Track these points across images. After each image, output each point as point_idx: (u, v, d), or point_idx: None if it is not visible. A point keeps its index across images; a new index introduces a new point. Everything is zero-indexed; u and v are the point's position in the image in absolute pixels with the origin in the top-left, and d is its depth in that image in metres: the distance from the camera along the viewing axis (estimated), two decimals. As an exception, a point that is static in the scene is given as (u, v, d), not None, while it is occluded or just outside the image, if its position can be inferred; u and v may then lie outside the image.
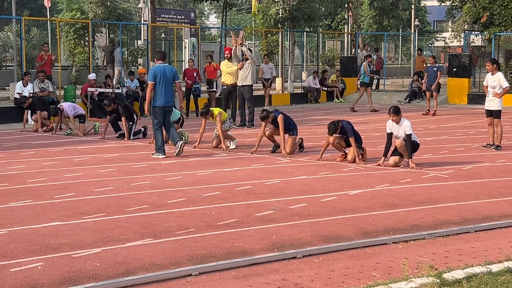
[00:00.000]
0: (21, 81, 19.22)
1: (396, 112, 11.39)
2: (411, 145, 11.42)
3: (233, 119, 17.62)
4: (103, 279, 5.74)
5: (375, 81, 30.42)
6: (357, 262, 6.28)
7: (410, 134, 11.32)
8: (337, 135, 12.02)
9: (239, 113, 18.24)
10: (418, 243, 6.98)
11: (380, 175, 10.82)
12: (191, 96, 21.66)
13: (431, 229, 7.49)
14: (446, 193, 9.50)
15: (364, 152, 12.31)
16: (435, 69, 21.93)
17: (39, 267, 6.03)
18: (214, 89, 21.94)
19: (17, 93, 19.01)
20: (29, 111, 17.45)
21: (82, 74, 29.08)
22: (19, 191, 9.46)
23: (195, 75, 21.63)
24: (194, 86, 21.36)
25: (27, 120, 17.40)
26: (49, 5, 36.63)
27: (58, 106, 16.78)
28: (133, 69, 28.31)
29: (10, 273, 5.88)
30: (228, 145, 13.92)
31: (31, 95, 18.36)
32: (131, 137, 15.14)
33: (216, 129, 13.92)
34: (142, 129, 15.65)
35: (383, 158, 11.67)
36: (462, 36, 36.22)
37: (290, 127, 13.07)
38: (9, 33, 30.41)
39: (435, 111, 21.54)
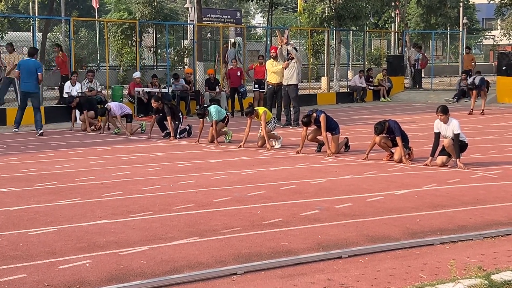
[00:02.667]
0: (69, 81, 19.55)
1: (444, 111, 11.25)
2: (459, 145, 11.27)
3: (278, 119, 17.65)
4: (150, 277, 5.80)
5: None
6: (403, 263, 6.22)
7: (458, 134, 11.17)
8: (384, 135, 11.93)
9: (284, 112, 18.23)
10: (466, 244, 6.89)
11: (427, 175, 10.70)
12: (236, 96, 21.72)
13: (479, 230, 7.37)
14: (495, 193, 9.34)
15: (411, 152, 12.19)
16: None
17: (87, 265, 6.12)
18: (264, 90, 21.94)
19: (65, 92, 19.34)
20: (77, 111, 17.70)
21: (129, 74, 29.41)
22: (68, 189, 9.62)
23: (238, 74, 21.64)
24: (240, 89, 21.46)
25: (75, 119, 17.66)
26: (97, 6, 37.20)
27: (106, 106, 16.99)
28: (179, 69, 28.54)
29: (58, 270, 5.98)
30: (273, 144, 13.93)
31: (79, 94, 18.67)
32: (177, 136, 15.27)
33: (260, 129, 13.93)
34: (187, 127, 15.77)
35: (430, 157, 11.54)
36: (512, 34, 35.56)
37: (332, 127, 13.01)
38: (58, 33, 30.96)
39: (483, 110, 21.22)
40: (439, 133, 11.40)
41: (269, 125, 13.94)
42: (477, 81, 21.17)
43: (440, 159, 11.48)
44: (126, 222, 7.67)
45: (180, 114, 15.67)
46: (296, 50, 18.76)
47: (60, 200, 8.86)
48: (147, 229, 7.34)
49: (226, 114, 15.16)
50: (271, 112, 14.81)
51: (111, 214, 8.07)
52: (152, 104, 15.61)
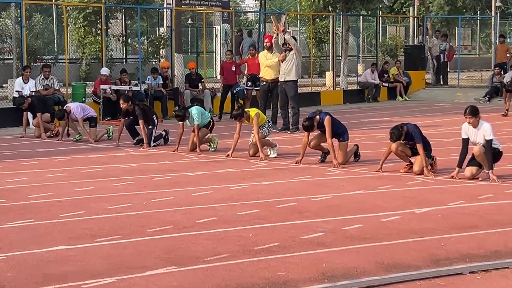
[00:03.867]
0: (21, 77, 19.49)
1: (473, 113, 11.28)
2: (492, 153, 11.29)
3: (274, 122, 17.66)
4: (118, 314, 5.79)
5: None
6: (425, 296, 6.23)
7: (491, 140, 11.20)
8: (401, 141, 11.94)
9: (281, 114, 18.25)
10: (500, 273, 6.91)
11: (453, 190, 10.73)
12: (229, 94, 21.61)
13: (517, 256, 7.40)
14: (535, 211, 9.38)
15: (434, 162, 12.22)
16: None
17: (42, 300, 6.11)
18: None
19: (16, 91, 19.28)
20: (30, 113, 17.65)
21: (93, 69, 29.36)
22: (19, 208, 9.59)
23: (233, 69, 21.59)
24: (236, 89, 21.43)
25: (28, 124, 17.61)
26: (55, -14, 37.13)
27: (65, 107, 16.95)
28: (154, 62, 28.53)
29: (7, 307, 5.97)
30: (268, 153, 13.94)
31: (32, 94, 18.61)
32: (151, 144, 15.26)
33: (252, 134, 13.94)
34: (163, 133, 15.77)
35: (457, 169, 11.56)
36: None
37: (340, 132, 13.01)
38: (7, 20, 30.87)
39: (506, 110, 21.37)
40: (468, 139, 11.43)
41: (262, 130, 13.95)
42: None
43: (469, 170, 11.51)
44: (89, 248, 7.65)
45: (154, 117, 15.67)
46: (295, 40, 18.80)
47: (9, 221, 8.83)
48: (115, 257, 7.33)
49: (211, 118, 15.15)
50: (265, 114, 14.83)
51: (71, 238, 8.05)
52: (121, 105, 15.60)
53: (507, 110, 21.51)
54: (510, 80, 21.44)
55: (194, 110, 14.60)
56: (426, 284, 6.58)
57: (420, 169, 11.88)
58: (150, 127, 15.41)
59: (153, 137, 15.42)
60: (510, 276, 6.82)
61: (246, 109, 14.30)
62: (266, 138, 14.10)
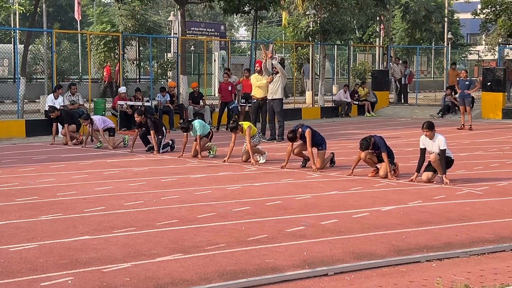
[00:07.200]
0: (53, 94, 19.45)
1: (430, 127, 11.30)
2: (445, 161, 11.32)
3: (263, 133, 17.64)
4: (133, 294, 5.76)
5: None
6: (390, 280, 6.23)
7: (445, 150, 11.22)
8: (369, 150, 11.95)
9: (269, 127, 18.23)
10: (452, 262, 6.91)
11: (413, 191, 10.74)
12: (225, 110, 21.59)
13: (465, 247, 7.41)
14: (480, 210, 9.39)
15: (396, 168, 12.23)
16: (467, 83, 21.81)
17: (69, 282, 6.08)
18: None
19: (48, 105, 19.23)
20: (59, 124, 17.59)
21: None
22: (49, 204, 9.55)
23: (229, 89, 21.61)
24: (232, 105, 21.38)
25: (57, 133, 17.55)
26: (80, 18, 37.10)
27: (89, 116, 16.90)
28: (162, 82, 28.50)
29: (40, 287, 5.93)
30: (258, 159, 13.92)
31: (61, 107, 18.57)
32: (160, 151, 15.22)
33: (245, 144, 13.93)
34: (170, 142, 15.73)
35: (416, 173, 11.58)
36: (496, 50, 35.91)
37: (319, 142, 13.02)
38: (39, 45, 30.85)
39: (470, 125, 21.29)
40: (425, 149, 11.45)
41: (253, 140, 13.95)
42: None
43: (426, 175, 11.53)
44: (109, 238, 7.63)
45: (163, 128, 15.65)
46: (282, 65, 18.74)
47: (41, 215, 8.80)
48: (130, 246, 7.31)
49: (210, 129, 15.14)
50: (255, 126, 14.82)
51: (93, 229, 8.03)
52: (135, 118, 15.58)
53: (463, 124, 21.49)
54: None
55: (197, 123, 14.57)
56: (390, 270, 6.59)
57: (385, 173, 11.90)
58: (160, 136, 15.37)
59: (161, 145, 15.39)
60: (460, 264, 6.83)
61: (240, 122, 14.28)
62: (256, 147, 14.10)
